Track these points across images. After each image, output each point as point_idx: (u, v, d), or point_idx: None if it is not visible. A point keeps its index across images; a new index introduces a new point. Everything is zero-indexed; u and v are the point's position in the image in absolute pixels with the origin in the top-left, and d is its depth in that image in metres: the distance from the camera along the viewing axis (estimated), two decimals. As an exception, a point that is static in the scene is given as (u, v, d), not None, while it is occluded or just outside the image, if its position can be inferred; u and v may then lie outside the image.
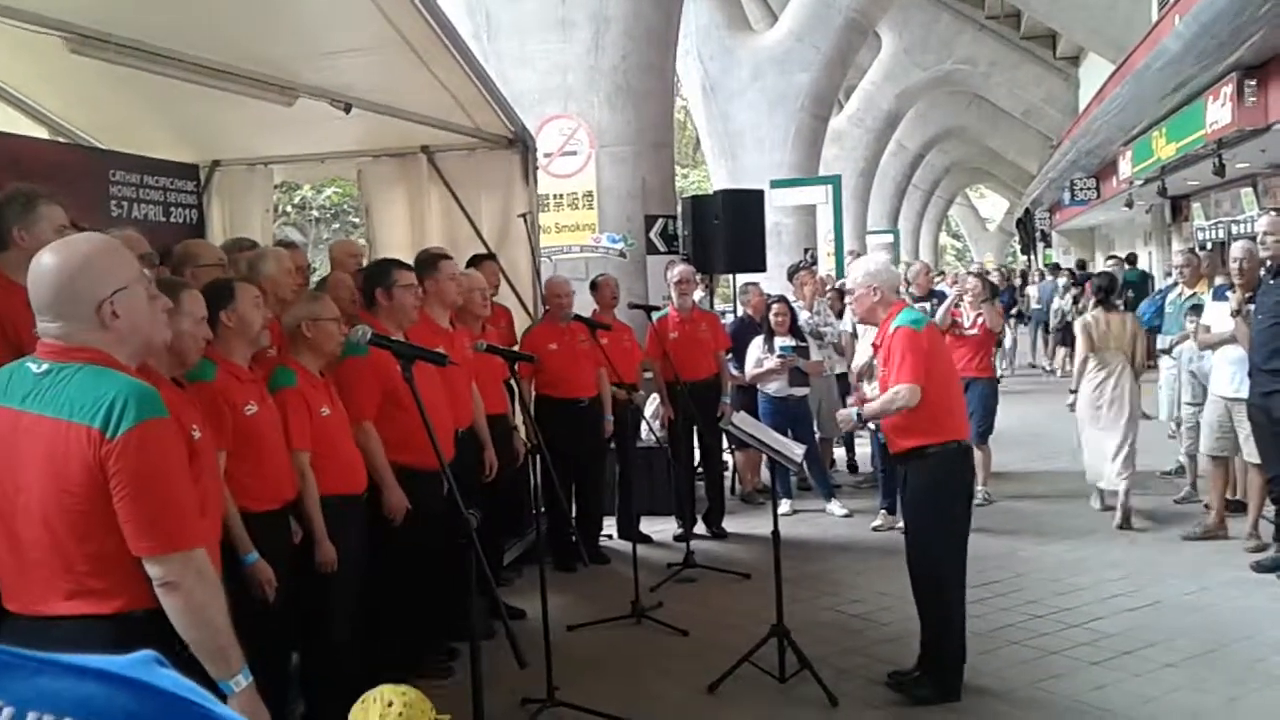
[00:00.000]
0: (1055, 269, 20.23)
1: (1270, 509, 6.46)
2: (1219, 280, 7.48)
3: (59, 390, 2.21)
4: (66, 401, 2.19)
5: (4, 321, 3.25)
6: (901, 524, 5.10)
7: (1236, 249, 6.50)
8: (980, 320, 8.00)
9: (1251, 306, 6.18)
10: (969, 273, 8.80)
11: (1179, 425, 8.11)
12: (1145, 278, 14.40)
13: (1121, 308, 8.19)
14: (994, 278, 13.24)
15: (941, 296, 9.34)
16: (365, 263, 6.03)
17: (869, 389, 7.17)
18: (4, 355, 2.97)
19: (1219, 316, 6.64)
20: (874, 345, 4.82)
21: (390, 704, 2.46)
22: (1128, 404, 7.50)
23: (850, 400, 5.46)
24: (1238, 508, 6.96)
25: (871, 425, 7.20)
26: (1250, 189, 13.10)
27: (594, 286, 7.31)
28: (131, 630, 2.22)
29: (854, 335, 8.77)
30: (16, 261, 3.19)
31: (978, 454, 8.18)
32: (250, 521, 3.52)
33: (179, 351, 3.19)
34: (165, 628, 2.22)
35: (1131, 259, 17.94)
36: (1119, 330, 7.65)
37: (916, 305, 6.72)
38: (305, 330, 4.14)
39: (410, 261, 5.28)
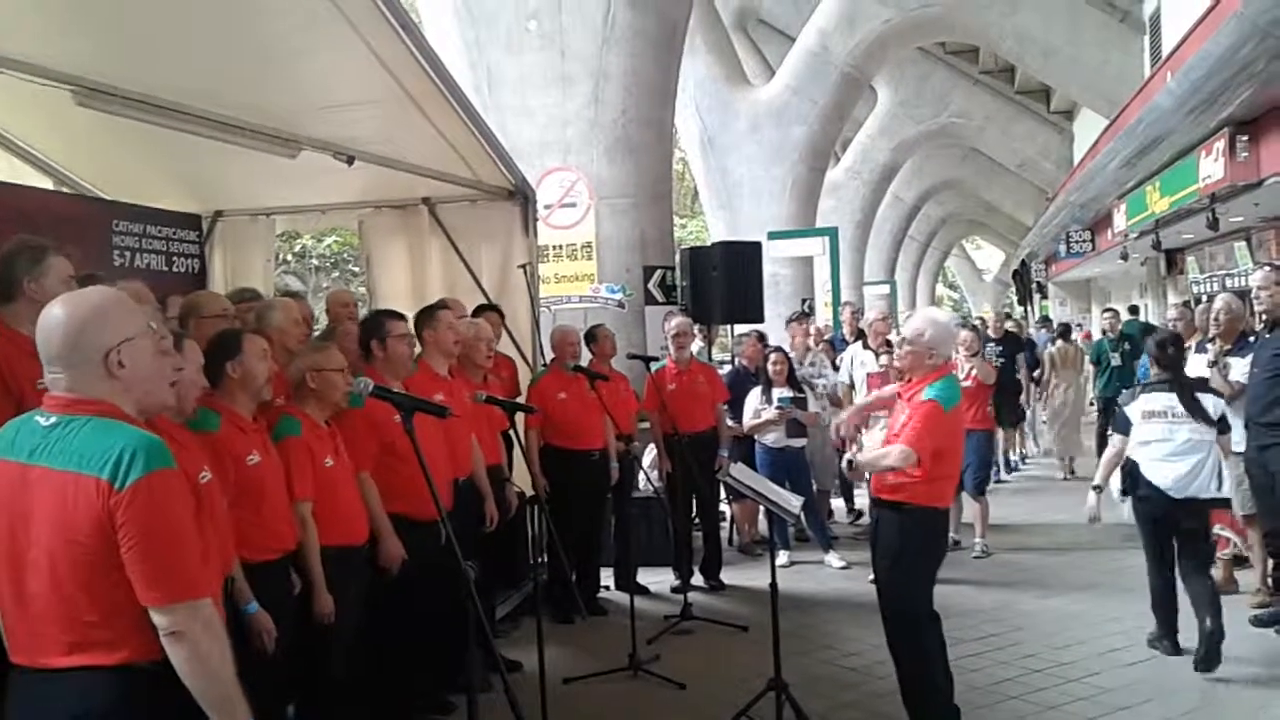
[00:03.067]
0: (1045, 321, 20.35)
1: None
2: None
3: (67, 442, 2.23)
4: (75, 453, 2.21)
5: (4, 372, 3.26)
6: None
7: (1217, 301, 6.61)
8: (973, 372, 8.04)
9: (1230, 360, 6.25)
10: (959, 325, 8.85)
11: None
12: (1149, 329, 14.44)
13: (1077, 342, 14.45)
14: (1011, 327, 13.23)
15: None
16: (359, 311, 6.07)
17: (866, 437, 7.18)
18: (4, 406, 2.98)
19: (1199, 369, 6.71)
20: (899, 394, 4.75)
21: None
22: (1073, 403, 12.71)
23: (842, 430, 5.37)
24: (1238, 560, 6.96)
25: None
26: (1244, 243, 13.18)
27: (591, 337, 7.33)
28: (136, 682, 2.23)
29: (850, 386, 8.79)
30: (23, 313, 3.22)
31: (975, 506, 8.19)
32: (250, 571, 3.51)
33: (178, 400, 3.20)
34: (169, 680, 2.22)
35: (1134, 310, 18.11)
36: (1073, 356, 13.11)
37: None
38: (310, 381, 4.16)
39: (409, 311, 5.31)
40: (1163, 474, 5.48)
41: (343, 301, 6.19)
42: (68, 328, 2.29)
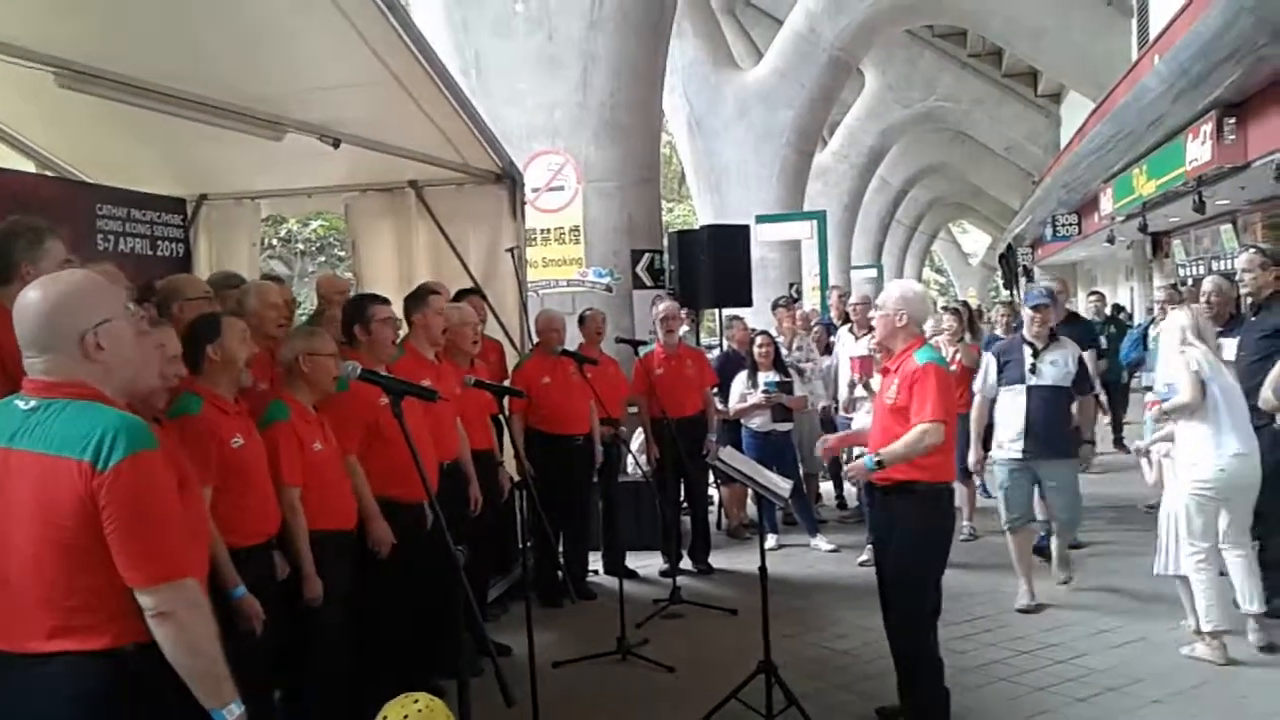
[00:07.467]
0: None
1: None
2: None
3: (47, 426, 2.22)
4: (55, 436, 2.20)
5: (4, 356, 3.22)
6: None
7: (1207, 283, 6.59)
8: (958, 357, 8.02)
9: (1223, 341, 6.23)
10: (945, 309, 8.78)
11: (1162, 460, 8.15)
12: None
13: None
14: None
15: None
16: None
17: (855, 421, 7.15)
18: (1, 389, 2.95)
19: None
20: (885, 369, 4.71)
21: (416, 701, 2.81)
22: None
23: (829, 440, 5.17)
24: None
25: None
26: (1230, 226, 13.22)
27: (581, 321, 7.32)
28: (120, 666, 2.23)
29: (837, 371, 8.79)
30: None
31: (962, 489, 8.18)
32: (235, 556, 3.49)
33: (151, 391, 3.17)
34: (153, 662, 2.22)
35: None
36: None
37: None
38: (302, 364, 4.13)
39: (395, 295, 5.28)
40: None
41: (338, 288, 6.12)
42: (40, 309, 2.28)
